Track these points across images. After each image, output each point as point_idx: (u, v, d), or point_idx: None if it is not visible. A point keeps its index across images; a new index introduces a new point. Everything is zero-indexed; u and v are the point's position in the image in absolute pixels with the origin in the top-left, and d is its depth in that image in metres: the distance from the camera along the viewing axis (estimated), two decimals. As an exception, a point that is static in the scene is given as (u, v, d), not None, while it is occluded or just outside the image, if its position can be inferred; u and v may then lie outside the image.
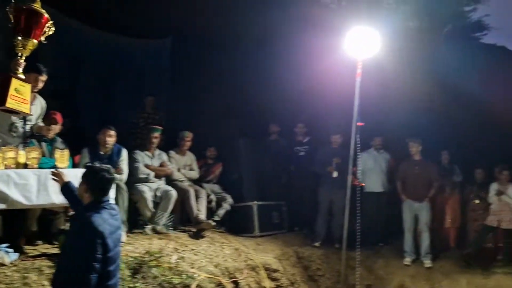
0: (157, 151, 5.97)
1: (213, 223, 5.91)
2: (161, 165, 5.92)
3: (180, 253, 4.93)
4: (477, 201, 7.31)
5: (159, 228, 5.54)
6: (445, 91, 10.18)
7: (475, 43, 17.34)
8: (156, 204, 5.67)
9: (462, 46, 15.52)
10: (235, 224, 6.71)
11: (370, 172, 7.35)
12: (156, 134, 5.90)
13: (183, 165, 6.41)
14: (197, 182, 6.63)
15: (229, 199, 6.67)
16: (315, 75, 7.23)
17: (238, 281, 5.10)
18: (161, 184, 5.83)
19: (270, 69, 7.90)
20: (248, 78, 8.11)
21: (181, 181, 6.25)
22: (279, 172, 7.64)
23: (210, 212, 6.54)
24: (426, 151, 7.30)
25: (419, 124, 8.03)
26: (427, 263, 6.74)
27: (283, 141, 7.75)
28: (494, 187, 7.12)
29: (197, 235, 5.75)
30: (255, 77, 8.14)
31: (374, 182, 7.30)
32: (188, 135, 6.41)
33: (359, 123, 5.93)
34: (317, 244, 6.91)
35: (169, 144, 6.58)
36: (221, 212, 6.57)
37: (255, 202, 6.71)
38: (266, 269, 5.72)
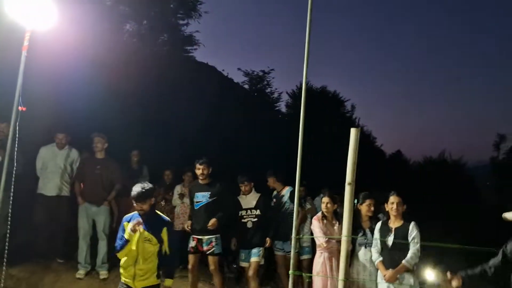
0: None
1: None
2: None
3: None
4: (163, 203, 7.12)
5: None
6: (147, 94, 10.04)
7: (188, 56, 18.39)
8: None
9: (177, 57, 16.21)
10: None
11: (46, 171, 6.22)
12: None
13: None
14: None
15: None
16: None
17: None
18: None
19: None
20: None
21: None
22: None
23: None
24: (114, 150, 6.66)
25: (109, 120, 7.38)
26: (103, 273, 6.05)
27: None
28: (177, 189, 7.07)
29: None
30: None
31: (48, 184, 6.19)
32: None
33: (21, 108, 4.72)
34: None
35: None
36: None
37: None
38: None
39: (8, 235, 4.74)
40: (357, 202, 5.12)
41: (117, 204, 6.68)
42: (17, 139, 4.74)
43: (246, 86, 22.86)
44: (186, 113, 11.02)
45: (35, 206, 6.28)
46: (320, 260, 4.87)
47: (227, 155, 10.44)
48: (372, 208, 5.04)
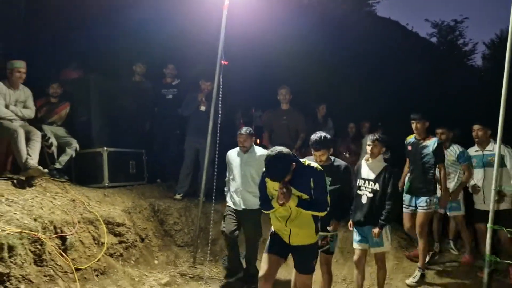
0: (-27, 81, 4.78)
1: (44, 170, 4.95)
2: (-22, 97, 4.77)
3: (-14, 203, 3.97)
4: (347, 154, 7.26)
5: (-30, 173, 4.45)
6: (328, 52, 10.08)
7: (370, 11, 17.80)
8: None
9: (358, 13, 15.83)
10: (81, 173, 5.85)
11: (233, 180, 5.29)
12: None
13: (15, 101, 5.29)
14: (37, 124, 5.60)
15: (75, 144, 5.73)
16: (183, 13, 6.45)
17: (66, 236, 4.31)
18: (-24, 120, 4.70)
19: (135, 6, 6.93)
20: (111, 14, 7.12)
21: (10, 120, 5.15)
22: (141, 117, 6.82)
23: (50, 159, 5.60)
24: (299, 102, 7.00)
25: (298, 75, 7.73)
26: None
27: (147, 83, 6.91)
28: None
29: (23, 184, 4.78)
30: (120, 14, 7.15)
31: (235, 197, 5.26)
32: (20, 65, 5.26)
33: (223, 62, 5.29)
34: (178, 196, 6.33)
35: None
36: (64, 158, 5.65)
37: (106, 148, 5.85)
38: (109, 223, 4.98)
39: (215, 176, 5.48)
40: None
41: (304, 153, 7.02)
42: (220, 91, 5.36)
43: (434, 39, 21.06)
44: (368, 70, 10.78)
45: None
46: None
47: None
48: None
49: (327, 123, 7.52)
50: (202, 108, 6.28)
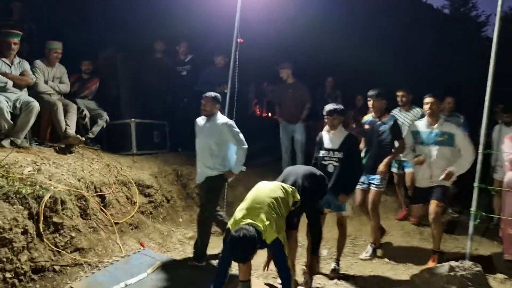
0: (17, 59, 5.38)
1: (82, 138, 5.58)
2: (22, 74, 5.38)
3: (38, 166, 4.61)
4: (353, 125, 7.78)
5: (19, 142, 5.09)
6: (339, 25, 10.39)
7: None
8: (16, 116, 5.20)
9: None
10: (111, 142, 6.49)
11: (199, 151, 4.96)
12: (15, 40, 5.28)
13: (52, 77, 5.91)
14: (71, 98, 6.21)
15: (105, 116, 6.34)
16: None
17: (105, 195, 4.97)
18: (22, 95, 5.31)
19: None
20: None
21: (49, 94, 5.78)
22: (163, 91, 7.40)
23: (84, 129, 6.23)
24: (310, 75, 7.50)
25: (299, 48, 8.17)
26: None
27: (167, 59, 7.44)
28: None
29: (64, 150, 5.43)
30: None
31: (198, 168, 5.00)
32: (58, 46, 5.85)
33: (239, 40, 5.81)
34: (199, 162, 6.91)
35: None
36: (96, 129, 6.28)
37: (133, 119, 6.47)
38: (139, 185, 5.64)
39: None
40: None
41: (314, 125, 7.56)
42: (237, 67, 5.90)
43: (447, 11, 21.03)
44: (380, 41, 11.05)
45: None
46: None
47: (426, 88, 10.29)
48: None
49: (335, 95, 8.04)
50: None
